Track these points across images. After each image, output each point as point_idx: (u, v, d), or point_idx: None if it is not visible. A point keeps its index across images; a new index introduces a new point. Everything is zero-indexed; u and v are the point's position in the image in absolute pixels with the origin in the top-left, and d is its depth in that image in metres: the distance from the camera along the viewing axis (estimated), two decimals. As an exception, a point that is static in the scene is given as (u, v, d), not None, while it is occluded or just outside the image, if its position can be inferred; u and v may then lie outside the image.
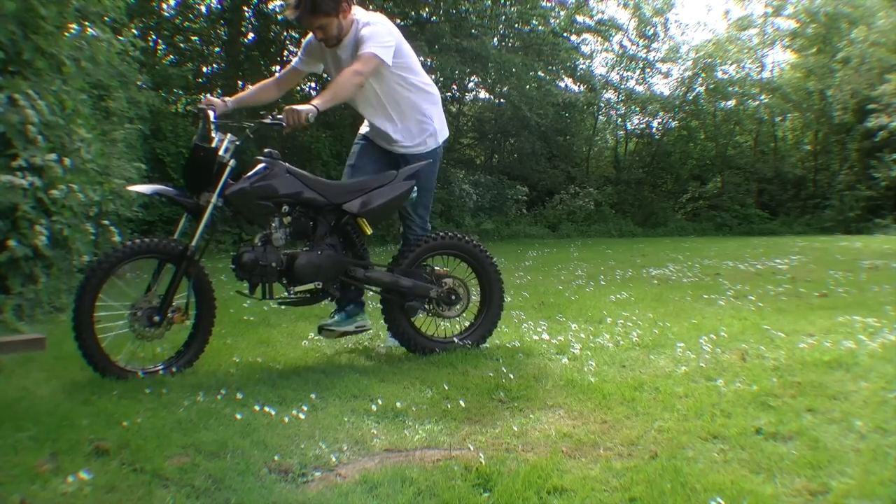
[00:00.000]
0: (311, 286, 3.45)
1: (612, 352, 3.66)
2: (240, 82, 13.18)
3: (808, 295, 5.70)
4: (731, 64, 21.62)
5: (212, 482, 2.02)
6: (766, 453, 2.22)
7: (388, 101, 3.66)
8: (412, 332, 3.64)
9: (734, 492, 1.94)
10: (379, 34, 3.47)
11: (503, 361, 3.42)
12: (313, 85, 13.78)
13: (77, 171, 4.89)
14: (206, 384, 2.98)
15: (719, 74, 21.35)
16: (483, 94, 19.04)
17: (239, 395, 2.79)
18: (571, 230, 17.41)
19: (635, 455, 2.25)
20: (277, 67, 3.96)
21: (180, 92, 13.24)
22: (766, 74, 22.37)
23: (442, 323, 3.84)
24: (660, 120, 21.87)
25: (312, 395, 2.82)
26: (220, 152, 3.21)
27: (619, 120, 22.59)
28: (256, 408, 2.65)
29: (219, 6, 14.31)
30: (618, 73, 21.55)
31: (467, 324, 3.84)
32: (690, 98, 21.35)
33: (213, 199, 3.19)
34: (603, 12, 20.60)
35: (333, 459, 2.21)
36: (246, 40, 14.50)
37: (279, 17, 13.40)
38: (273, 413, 2.61)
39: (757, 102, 21.78)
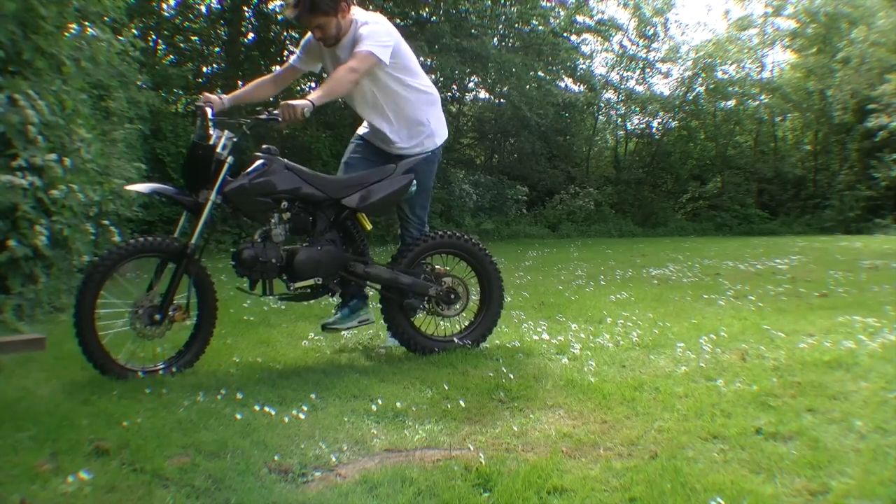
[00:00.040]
0: (311, 282, 3.44)
1: (612, 352, 3.66)
2: (240, 82, 13.15)
3: (808, 295, 5.70)
4: (731, 64, 21.62)
5: (212, 482, 2.02)
6: (766, 453, 2.22)
7: (386, 101, 3.65)
8: (412, 332, 3.64)
9: (734, 492, 1.94)
10: (377, 33, 3.47)
11: (503, 361, 3.42)
12: (312, 85, 13.78)
13: (77, 171, 4.89)
14: (206, 384, 2.98)
15: (719, 74, 21.36)
16: (483, 94, 19.06)
17: (239, 395, 2.79)
18: (571, 230, 17.41)
19: (635, 455, 2.25)
20: (277, 67, 3.99)
21: (180, 92, 13.24)
22: (766, 74, 22.41)
23: (441, 322, 3.84)
24: (660, 120, 21.88)
25: (312, 395, 2.82)
26: (218, 149, 3.21)
27: (619, 120, 22.59)
28: (256, 408, 2.65)
29: (219, 6, 14.32)
30: (618, 73, 21.57)
31: (467, 323, 3.84)
32: (690, 98, 21.35)
33: (212, 196, 3.19)
34: (603, 12, 20.62)
35: (333, 459, 2.21)
36: (246, 40, 14.51)
37: (279, 17, 13.40)
38: (273, 413, 2.61)
39: (757, 102, 21.78)
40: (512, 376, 3.14)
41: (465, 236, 3.81)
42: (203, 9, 14.51)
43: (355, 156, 3.86)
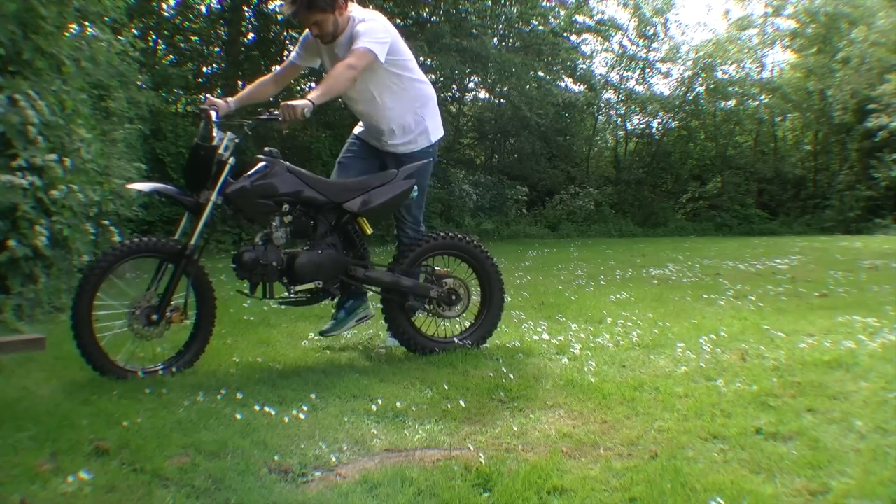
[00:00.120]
0: (311, 285, 3.45)
1: (612, 352, 3.66)
2: (240, 82, 13.17)
3: (808, 295, 5.70)
4: (731, 64, 21.62)
5: (212, 482, 2.02)
6: (766, 453, 2.22)
7: (381, 98, 3.65)
8: (412, 332, 3.64)
9: (734, 492, 1.94)
10: (374, 30, 3.47)
11: (503, 361, 3.42)
12: (312, 85, 13.78)
13: (77, 171, 4.89)
14: (206, 384, 2.98)
15: (719, 74, 21.36)
16: (483, 94, 19.06)
17: (239, 395, 2.79)
18: (571, 230, 17.41)
19: (635, 455, 2.25)
20: (277, 67, 4.00)
21: (180, 92, 13.24)
22: (766, 74, 22.41)
23: (442, 323, 3.84)
24: (660, 120, 21.88)
25: (312, 395, 2.81)
26: (220, 150, 3.21)
27: (619, 120, 22.59)
28: (256, 408, 2.65)
29: (219, 6, 14.31)
30: (618, 73, 21.57)
31: (468, 324, 3.84)
32: (690, 98, 21.35)
33: (213, 196, 3.19)
34: (603, 12, 20.61)
35: (333, 459, 2.21)
36: (246, 40, 14.50)
37: (279, 16, 13.40)
38: (273, 413, 2.61)
39: (757, 102, 21.78)
40: (512, 376, 3.14)
41: (467, 238, 3.81)
42: (203, 9, 14.52)
43: (349, 155, 3.87)
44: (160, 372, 3.15)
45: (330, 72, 3.49)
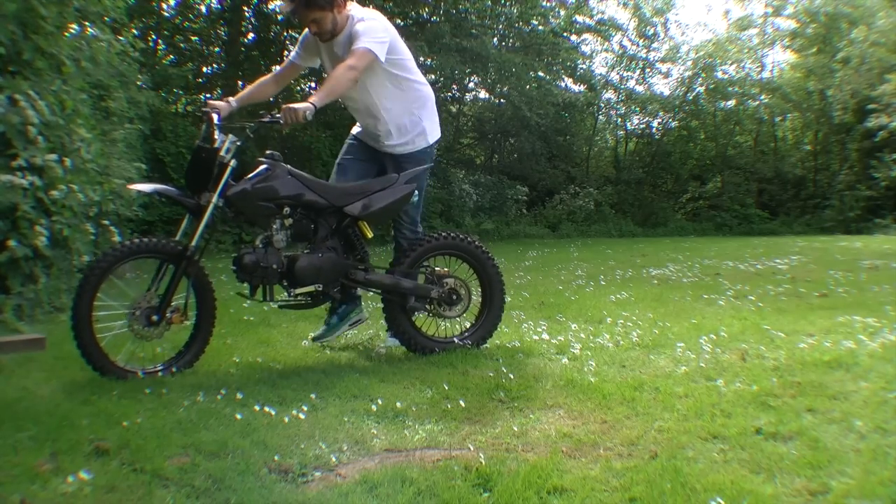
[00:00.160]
0: (311, 288, 3.45)
1: (612, 352, 3.66)
2: (240, 82, 13.17)
3: (808, 295, 5.70)
4: (731, 64, 21.61)
5: (212, 482, 2.02)
6: (766, 453, 2.22)
7: (378, 98, 3.65)
8: (412, 332, 3.64)
9: (734, 492, 1.94)
10: (373, 29, 3.48)
11: (503, 361, 3.42)
12: (313, 85, 13.78)
13: (77, 171, 4.89)
14: (206, 384, 2.98)
15: (719, 74, 21.35)
16: (483, 94, 19.06)
17: (239, 395, 2.79)
18: (571, 230, 17.41)
19: (635, 455, 2.25)
20: (277, 67, 4.01)
21: (180, 92, 13.24)
22: (766, 74, 22.40)
23: (442, 323, 3.84)
24: (660, 120, 21.88)
25: (312, 395, 2.82)
26: (222, 153, 3.22)
27: (619, 120, 22.59)
28: (256, 408, 2.65)
29: (219, 6, 14.31)
30: (618, 73, 21.57)
31: (468, 324, 3.84)
32: (690, 98, 21.35)
33: (214, 199, 3.20)
34: (603, 12, 20.61)
35: (333, 459, 2.21)
36: (246, 40, 14.50)
37: (279, 16, 13.40)
38: (273, 413, 2.61)
39: (757, 102, 21.78)
40: (512, 376, 3.14)
41: (468, 238, 3.81)
42: (203, 9, 14.52)
43: (348, 157, 3.87)
44: (160, 373, 3.15)
45: (331, 73, 3.49)
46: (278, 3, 13.49)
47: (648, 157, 21.78)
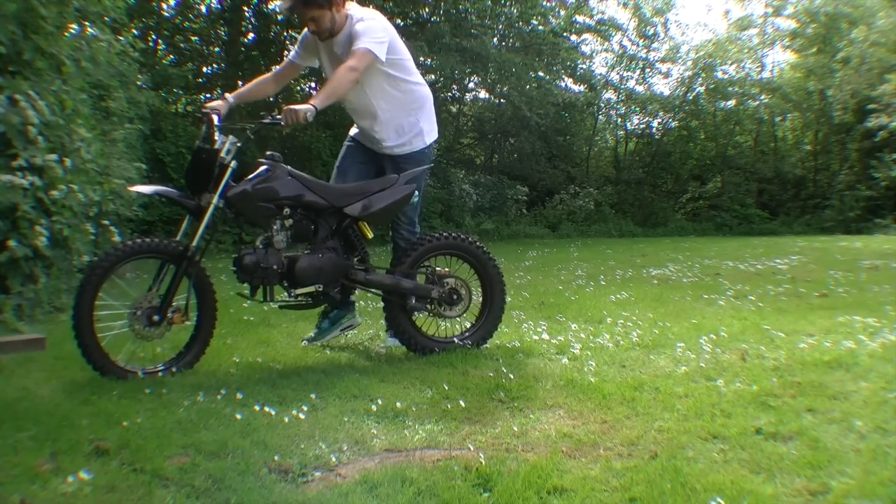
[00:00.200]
0: (311, 289, 3.45)
1: (612, 352, 3.66)
2: (240, 82, 13.15)
3: (808, 295, 5.70)
4: (731, 64, 21.61)
5: (212, 482, 2.02)
6: (766, 453, 2.22)
7: (376, 98, 3.64)
8: (413, 331, 3.64)
9: (734, 492, 1.94)
10: (373, 29, 3.47)
11: (503, 361, 3.42)
12: (313, 85, 13.79)
13: (77, 171, 4.89)
14: (206, 384, 2.98)
15: (719, 74, 21.35)
16: (483, 94, 19.06)
17: (239, 395, 2.79)
18: (571, 230, 17.41)
19: (635, 455, 2.25)
20: (277, 68, 4.02)
21: (180, 92, 13.25)
22: (766, 74, 22.40)
23: (443, 323, 3.84)
24: (660, 120, 21.88)
25: (312, 395, 2.82)
26: (222, 154, 3.22)
27: (619, 120, 22.59)
28: (256, 408, 2.65)
29: (219, 6, 14.32)
30: (618, 73, 21.57)
31: (468, 324, 3.84)
32: (690, 98, 21.35)
33: (215, 200, 3.20)
34: (603, 12, 20.63)
35: (333, 459, 2.21)
36: (246, 40, 14.51)
37: (279, 16, 13.40)
38: (273, 413, 2.61)
39: (757, 102, 21.78)
40: (512, 376, 3.14)
41: (469, 238, 3.81)
42: (203, 9, 14.52)
43: (347, 160, 3.87)
44: (160, 373, 3.15)
45: (332, 75, 3.49)
46: (278, 2, 13.50)
47: (648, 157, 21.78)
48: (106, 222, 5.65)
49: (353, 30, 3.47)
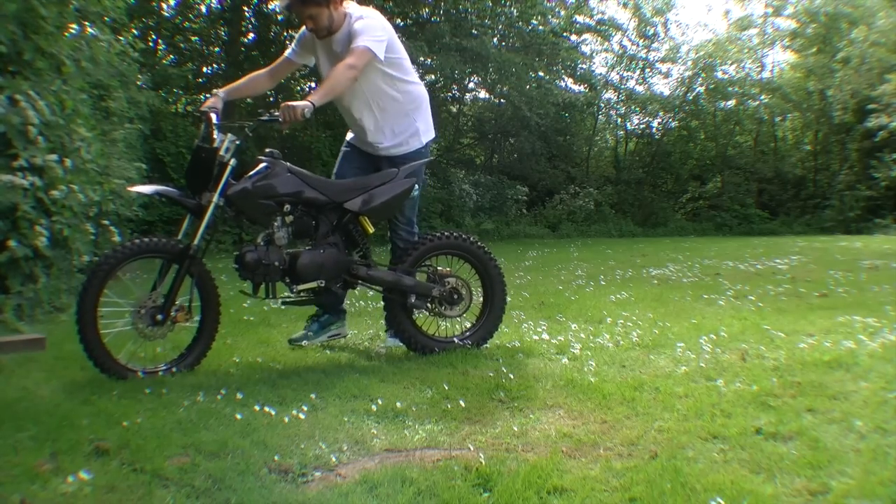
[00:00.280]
0: (313, 285, 3.45)
1: (612, 352, 3.66)
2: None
3: (808, 295, 5.70)
4: (731, 64, 21.62)
5: (212, 482, 2.02)
6: (766, 453, 2.22)
7: (371, 98, 3.64)
8: (413, 331, 3.64)
9: (734, 492, 1.94)
10: (371, 28, 3.47)
11: (503, 361, 3.42)
12: (312, 85, 13.78)
13: (77, 171, 4.89)
14: (206, 384, 2.98)
15: (719, 74, 21.36)
16: (483, 94, 19.07)
17: (239, 395, 2.79)
18: (571, 230, 17.41)
19: (635, 455, 2.25)
20: (273, 64, 4.04)
21: (180, 92, 13.25)
22: (766, 74, 22.41)
23: (443, 323, 3.84)
24: (660, 120, 21.89)
25: (312, 395, 2.81)
26: (221, 152, 3.22)
27: (619, 120, 22.60)
28: (256, 408, 2.65)
29: (219, 6, 14.32)
30: (618, 73, 21.57)
31: (468, 324, 3.84)
32: (690, 98, 21.35)
33: (215, 198, 3.20)
34: (603, 12, 20.63)
35: (333, 459, 2.21)
36: (246, 40, 14.51)
37: (279, 17, 13.40)
38: (273, 413, 2.61)
39: (757, 102, 21.78)
40: (512, 376, 3.14)
41: (470, 238, 3.81)
42: (203, 9, 14.53)
43: (344, 166, 3.86)
44: (160, 373, 3.15)
45: (330, 72, 3.49)
46: (278, 2, 13.52)
47: (648, 157, 21.78)
48: (106, 222, 5.65)
49: (352, 28, 3.47)
